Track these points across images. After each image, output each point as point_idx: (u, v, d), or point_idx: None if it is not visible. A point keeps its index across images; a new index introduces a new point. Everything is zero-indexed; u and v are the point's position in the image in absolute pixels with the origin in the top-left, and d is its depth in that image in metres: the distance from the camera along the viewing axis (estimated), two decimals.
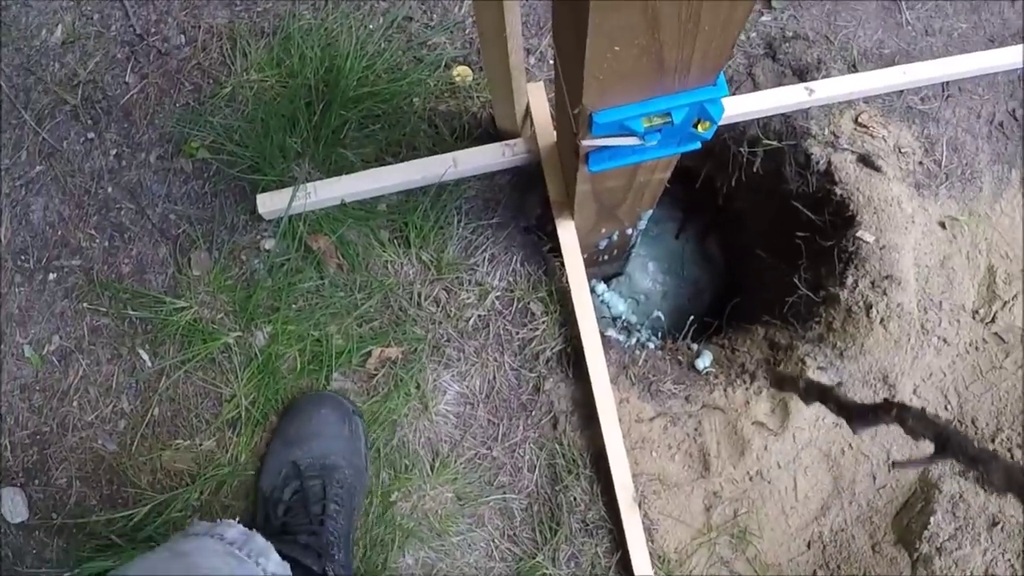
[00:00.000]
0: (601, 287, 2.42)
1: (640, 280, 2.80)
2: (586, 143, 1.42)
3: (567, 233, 1.96)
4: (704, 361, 2.09)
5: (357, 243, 1.97)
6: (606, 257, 2.37)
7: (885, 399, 1.71)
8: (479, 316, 2.02)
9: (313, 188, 2.01)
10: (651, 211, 2.00)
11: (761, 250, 2.33)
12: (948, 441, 1.17)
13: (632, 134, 1.36)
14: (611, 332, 2.19)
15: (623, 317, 2.44)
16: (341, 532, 1.64)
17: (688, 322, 2.24)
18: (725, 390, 2.03)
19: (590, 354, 1.90)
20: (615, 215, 1.95)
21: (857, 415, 1.54)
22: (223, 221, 2.02)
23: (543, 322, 2.02)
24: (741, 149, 2.15)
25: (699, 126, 1.43)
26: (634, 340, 2.23)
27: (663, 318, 2.46)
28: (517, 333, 2.02)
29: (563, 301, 2.02)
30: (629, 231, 2.14)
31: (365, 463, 1.81)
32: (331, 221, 2.04)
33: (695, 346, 2.19)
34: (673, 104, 1.29)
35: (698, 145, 1.52)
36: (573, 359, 1.92)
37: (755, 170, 2.16)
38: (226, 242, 2.00)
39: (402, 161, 2.04)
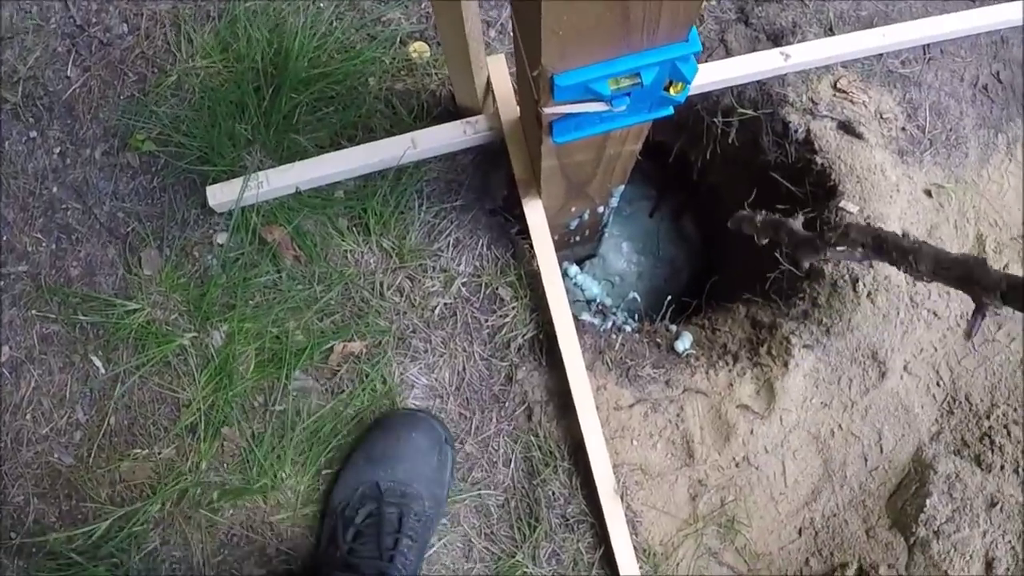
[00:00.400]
0: (574, 269, 2.28)
1: (614, 261, 2.68)
2: (548, 111, 1.29)
3: (535, 213, 1.83)
4: (684, 343, 1.97)
5: (314, 233, 1.84)
6: (578, 238, 2.25)
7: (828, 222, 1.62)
8: (445, 304, 1.89)
9: (265, 177, 1.87)
10: (623, 187, 1.87)
11: (745, 208, 2.21)
12: (885, 242, 1.20)
13: (598, 98, 1.23)
14: (585, 316, 2.06)
15: (598, 300, 2.31)
16: (410, 571, 1.54)
17: (665, 303, 2.12)
18: (707, 372, 1.91)
19: (563, 340, 1.77)
20: (585, 192, 1.82)
21: (801, 245, 1.43)
22: (173, 216, 1.91)
23: (513, 308, 1.89)
24: (715, 120, 2.03)
25: (671, 88, 1.30)
26: (610, 323, 2.10)
27: (639, 299, 2.33)
28: (486, 321, 1.89)
29: (533, 285, 1.89)
30: (600, 209, 2.01)
31: (446, 494, 1.70)
32: (286, 211, 1.91)
33: (674, 328, 2.06)
34: (642, 63, 1.15)
35: (670, 110, 1.38)
36: (546, 346, 1.80)
37: (730, 141, 2.04)
38: (177, 238, 1.89)
39: (358, 144, 1.91)
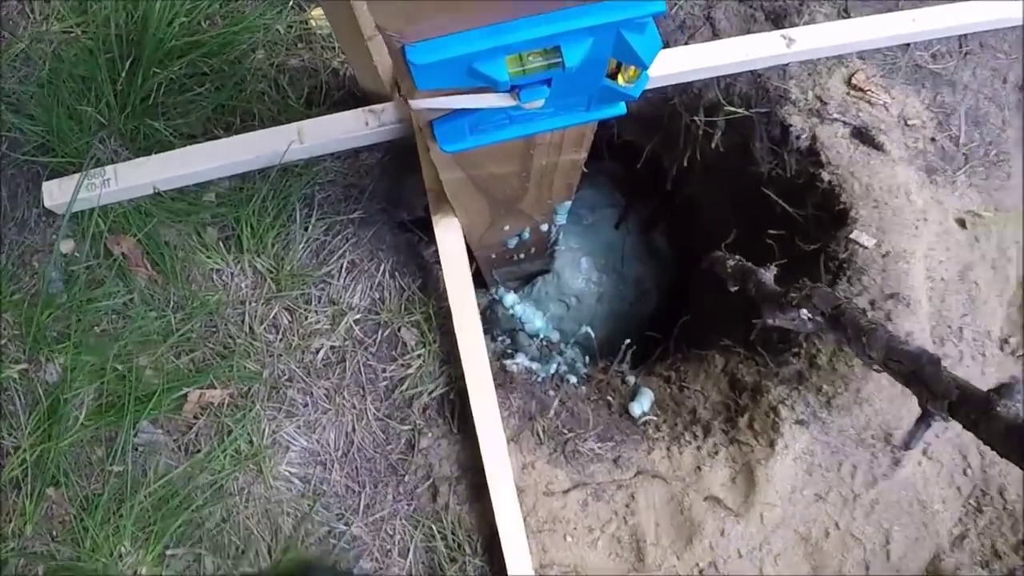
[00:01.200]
0: (510, 298, 1.81)
1: (571, 279, 2.23)
2: (417, 104, 0.83)
3: (448, 234, 1.37)
4: (642, 405, 1.51)
5: (176, 246, 1.46)
6: (522, 255, 1.79)
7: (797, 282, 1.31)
8: (332, 347, 1.45)
9: (112, 172, 1.45)
10: (569, 202, 1.41)
11: (721, 250, 1.74)
12: (843, 315, 1.13)
13: (492, 87, 0.77)
14: (520, 360, 1.59)
15: (541, 335, 1.84)
16: None
17: (623, 347, 1.65)
18: (669, 449, 1.45)
19: (478, 402, 1.35)
20: (517, 209, 1.37)
21: (767, 299, 1.31)
22: (12, 216, 1.54)
23: (419, 356, 1.44)
24: (696, 118, 1.61)
25: (620, 75, 0.84)
26: (552, 368, 1.64)
27: (592, 335, 1.86)
28: (384, 371, 1.45)
29: (446, 327, 1.44)
30: (544, 227, 1.55)
31: None
32: (141, 217, 1.48)
33: (632, 379, 1.60)
34: (562, 29, 0.72)
35: (621, 109, 0.93)
36: (459, 407, 1.41)
37: (714, 146, 1.64)
38: (15, 244, 1.52)
39: (235, 134, 1.46)
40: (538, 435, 1.44)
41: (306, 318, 1.45)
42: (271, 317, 1.45)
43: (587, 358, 1.79)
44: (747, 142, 1.65)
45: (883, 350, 1.05)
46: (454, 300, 1.34)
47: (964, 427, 0.95)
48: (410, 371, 1.44)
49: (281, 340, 1.45)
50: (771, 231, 1.62)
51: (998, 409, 0.89)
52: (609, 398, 1.54)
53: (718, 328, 1.67)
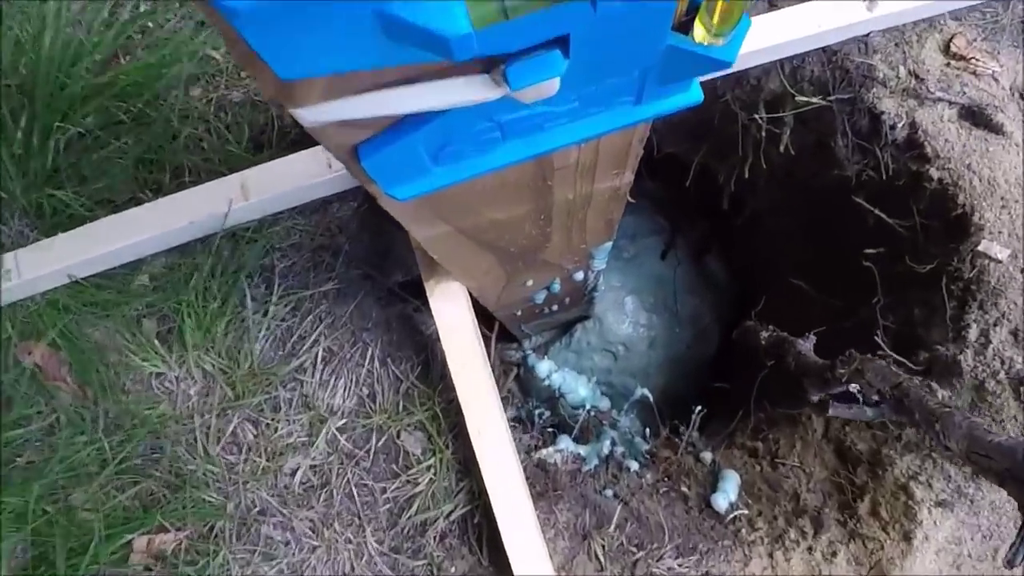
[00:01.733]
0: (545, 366, 1.42)
1: (616, 324, 1.83)
2: (308, 116, 0.45)
3: (447, 304, 1.00)
4: (727, 494, 1.13)
5: (104, 347, 1.04)
6: (554, 308, 1.42)
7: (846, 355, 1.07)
8: (312, 466, 1.08)
9: (14, 261, 1.09)
10: (609, 243, 1.05)
11: (798, 277, 1.36)
12: (907, 395, 0.90)
13: (440, 52, 0.38)
14: (563, 446, 1.22)
15: (587, 406, 1.46)
16: None
17: (694, 415, 1.27)
18: (771, 555, 1.07)
19: (511, 528, 0.96)
20: (539, 260, 0.99)
21: (809, 374, 1.08)
22: None
23: (428, 468, 1.07)
24: (756, 116, 1.22)
25: (698, 24, 0.47)
26: (605, 447, 1.26)
27: (650, 396, 1.48)
28: (384, 491, 1.08)
29: (460, 425, 1.06)
30: (579, 276, 1.18)
31: None
32: (56, 313, 1.12)
33: (708, 456, 1.22)
34: None
35: (696, 94, 0.60)
36: (486, 530, 0.98)
37: (782, 149, 1.20)
38: None
39: (166, 195, 1.09)
40: (597, 558, 1.06)
41: (275, 430, 1.09)
42: (229, 432, 1.09)
43: (647, 429, 1.40)
44: (825, 140, 1.27)
45: (964, 440, 0.83)
46: (464, 394, 0.98)
47: None
48: (418, 489, 1.06)
49: (246, 462, 1.09)
50: (868, 250, 1.23)
51: None
52: (684, 487, 1.16)
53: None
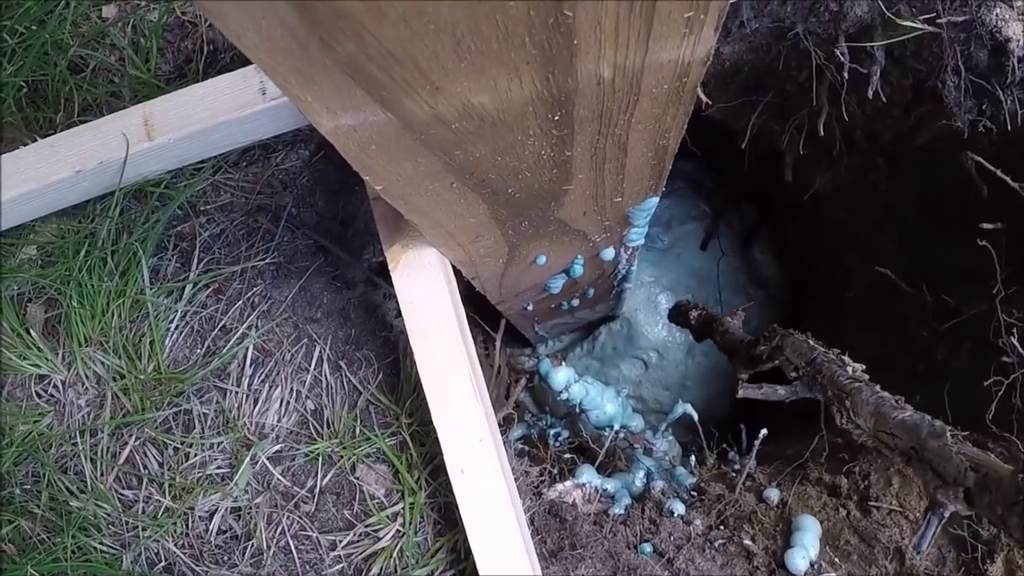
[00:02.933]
0: (561, 376, 1.08)
1: (647, 326, 1.52)
2: None
3: (413, 284, 0.67)
4: (806, 549, 0.81)
5: None
6: (574, 302, 1.10)
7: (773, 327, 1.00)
8: (234, 508, 0.76)
9: None
10: (655, 200, 0.72)
11: (884, 265, 1.04)
12: (819, 371, 0.85)
13: None
14: (585, 479, 0.89)
15: (615, 426, 1.13)
16: None
17: (758, 440, 0.94)
18: None
19: None
20: (555, 221, 0.68)
21: (735, 353, 1.03)
22: None
23: (396, 515, 0.75)
24: (837, 52, 0.85)
25: None
26: (638, 482, 0.94)
27: (695, 415, 1.15)
28: (334, 547, 0.77)
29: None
30: (608, 254, 0.86)
31: None
32: None
33: (774, 494, 0.90)
34: None
35: None
36: None
37: (871, 95, 0.86)
38: None
39: (52, 134, 0.79)
40: None
41: (186, 457, 0.78)
42: (125, 459, 0.78)
43: (692, 457, 1.07)
44: (926, 81, 0.94)
45: (872, 418, 0.74)
46: (441, 414, 0.65)
47: (991, 523, 0.71)
48: (380, 544, 0.74)
49: (147, 500, 0.77)
50: (986, 225, 0.90)
51: None
52: (747, 538, 0.83)
53: (895, 387, 0.94)
